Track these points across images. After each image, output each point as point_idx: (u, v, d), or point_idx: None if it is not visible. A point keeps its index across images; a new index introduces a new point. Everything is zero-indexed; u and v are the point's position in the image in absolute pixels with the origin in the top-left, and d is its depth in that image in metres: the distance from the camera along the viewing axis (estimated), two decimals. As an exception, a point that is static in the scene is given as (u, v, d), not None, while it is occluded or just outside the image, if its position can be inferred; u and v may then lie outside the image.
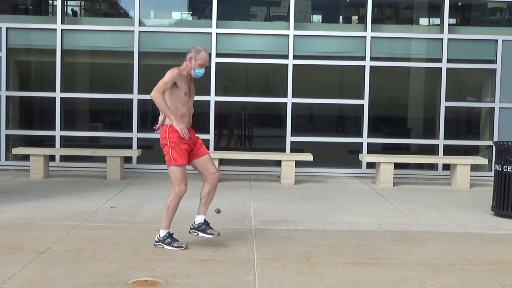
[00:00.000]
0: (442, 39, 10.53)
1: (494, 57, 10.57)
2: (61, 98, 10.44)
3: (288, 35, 10.47)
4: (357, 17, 12.12)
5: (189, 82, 5.40)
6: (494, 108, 10.62)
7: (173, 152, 5.24)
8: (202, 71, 5.38)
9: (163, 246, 5.32)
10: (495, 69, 10.56)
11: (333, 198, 8.36)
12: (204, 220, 5.42)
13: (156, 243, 5.36)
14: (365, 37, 10.48)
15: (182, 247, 5.31)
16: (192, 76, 5.39)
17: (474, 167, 10.07)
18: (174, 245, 5.30)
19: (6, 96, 10.47)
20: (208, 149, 10.09)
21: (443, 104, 10.55)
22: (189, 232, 5.46)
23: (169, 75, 5.18)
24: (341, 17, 12.37)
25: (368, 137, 10.54)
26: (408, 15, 12.20)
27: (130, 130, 10.49)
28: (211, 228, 5.41)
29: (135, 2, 10.43)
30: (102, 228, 6.11)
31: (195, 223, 5.43)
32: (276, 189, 9.05)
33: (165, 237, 5.33)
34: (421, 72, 11.40)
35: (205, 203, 5.44)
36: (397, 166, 9.79)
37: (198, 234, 5.41)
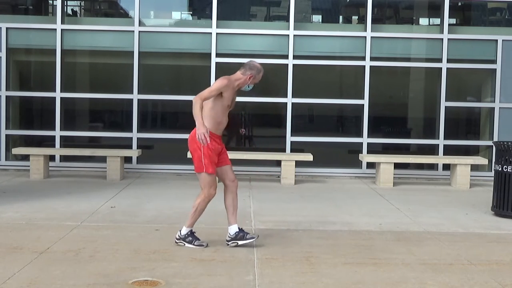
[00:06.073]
0: (442, 39, 10.53)
1: (494, 57, 10.57)
2: (61, 98, 10.44)
3: (288, 35, 10.47)
4: (357, 17, 12.12)
5: (235, 93, 5.47)
6: (494, 108, 10.62)
7: (205, 159, 5.22)
8: (251, 87, 5.55)
9: (184, 244, 5.35)
10: (495, 69, 10.56)
11: (333, 198, 8.36)
12: (239, 228, 5.45)
13: (177, 241, 5.39)
14: (365, 37, 10.48)
15: (203, 245, 5.35)
16: (242, 89, 5.52)
17: (474, 167, 10.07)
18: (195, 243, 5.34)
19: (6, 96, 10.47)
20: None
21: (443, 104, 10.55)
22: (228, 244, 5.41)
23: (218, 85, 5.20)
24: (341, 17, 12.37)
25: (368, 137, 10.54)
26: (408, 15, 12.20)
27: (130, 130, 10.49)
28: (248, 233, 5.44)
29: (135, 2, 10.43)
30: (102, 228, 6.10)
31: (231, 234, 5.42)
32: (276, 189, 9.06)
33: (186, 235, 5.36)
34: (421, 72, 11.40)
35: (233, 212, 5.45)
36: (397, 166, 9.79)
37: (238, 243, 5.39)
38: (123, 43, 10.62)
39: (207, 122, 5.18)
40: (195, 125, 5.11)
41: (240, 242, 5.39)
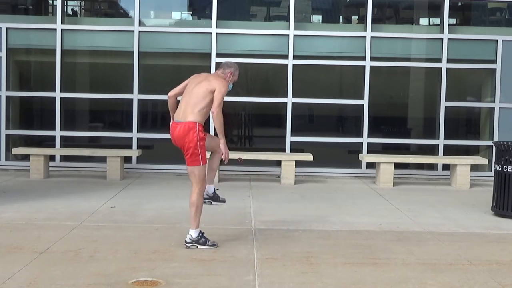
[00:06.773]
0: (442, 39, 10.52)
1: (494, 57, 10.57)
2: (61, 98, 10.44)
3: (288, 35, 10.46)
4: (357, 17, 12.11)
5: None
6: (494, 108, 10.62)
7: (203, 152, 5.35)
8: (231, 86, 5.68)
9: (197, 247, 5.35)
10: (495, 69, 10.56)
11: (333, 198, 8.36)
12: (214, 188, 5.73)
13: (188, 244, 5.36)
14: (365, 37, 10.48)
15: (215, 245, 5.42)
16: None
17: (474, 167, 10.07)
18: (209, 244, 5.39)
19: (6, 96, 10.47)
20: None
21: (443, 104, 10.55)
22: (204, 202, 5.62)
23: (224, 88, 5.38)
24: (341, 17, 12.37)
25: (368, 137, 10.54)
26: (408, 15, 12.20)
27: (130, 130, 10.49)
28: (219, 196, 5.74)
29: (135, 2, 10.43)
30: (102, 228, 6.11)
31: (210, 193, 5.66)
32: (276, 189, 9.05)
33: (198, 237, 5.38)
34: (421, 72, 11.40)
35: (215, 173, 5.84)
36: (397, 166, 9.78)
37: (212, 203, 5.70)
38: (123, 43, 10.62)
39: (198, 116, 5.36)
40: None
41: (213, 203, 5.71)
